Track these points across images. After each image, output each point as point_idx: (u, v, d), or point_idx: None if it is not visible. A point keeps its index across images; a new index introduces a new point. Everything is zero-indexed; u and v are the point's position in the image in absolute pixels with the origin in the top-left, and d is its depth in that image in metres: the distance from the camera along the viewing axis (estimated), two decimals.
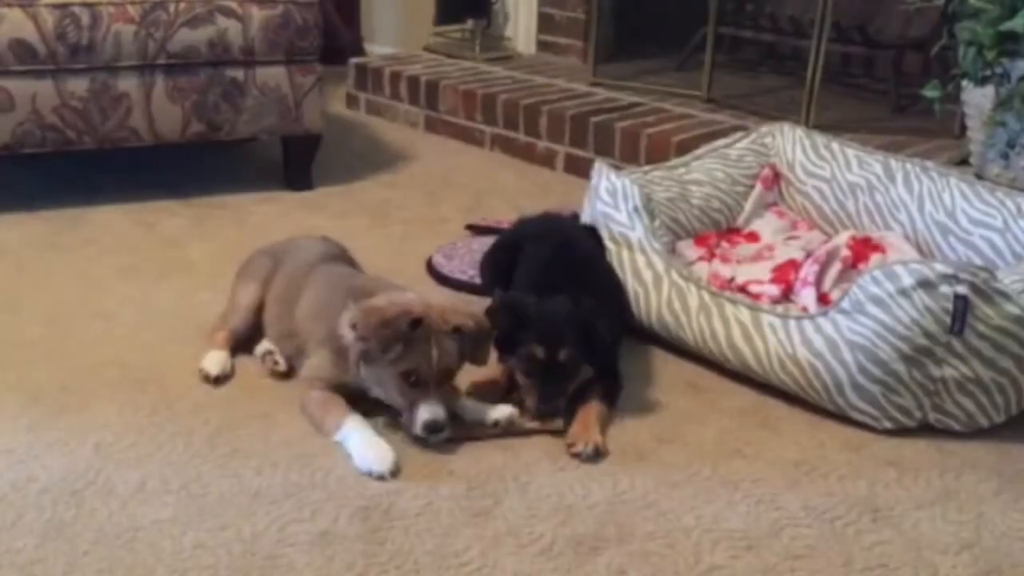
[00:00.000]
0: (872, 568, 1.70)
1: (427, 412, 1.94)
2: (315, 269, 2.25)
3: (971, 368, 2.02)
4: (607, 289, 2.29)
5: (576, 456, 1.95)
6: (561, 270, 2.23)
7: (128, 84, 3.10)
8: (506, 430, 2.02)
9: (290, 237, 2.51)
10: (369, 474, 1.88)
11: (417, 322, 1.94)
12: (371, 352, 1.96)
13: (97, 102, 3.08)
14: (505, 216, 3.09)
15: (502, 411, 2.03)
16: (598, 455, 1.96)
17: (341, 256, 2.37)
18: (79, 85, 3.06)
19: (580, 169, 3.54)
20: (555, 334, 2.04)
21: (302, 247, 2.38)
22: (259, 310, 2.31)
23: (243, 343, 2.30)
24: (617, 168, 2.59)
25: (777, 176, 2.90)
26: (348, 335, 1.98)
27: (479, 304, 2.19)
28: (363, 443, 1.93)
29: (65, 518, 1.74)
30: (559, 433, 2.01)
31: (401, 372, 1.96)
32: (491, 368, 2.16)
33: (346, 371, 2.03)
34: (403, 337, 1.94)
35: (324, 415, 2.01)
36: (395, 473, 1.88)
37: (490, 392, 2.12)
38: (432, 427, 1.94)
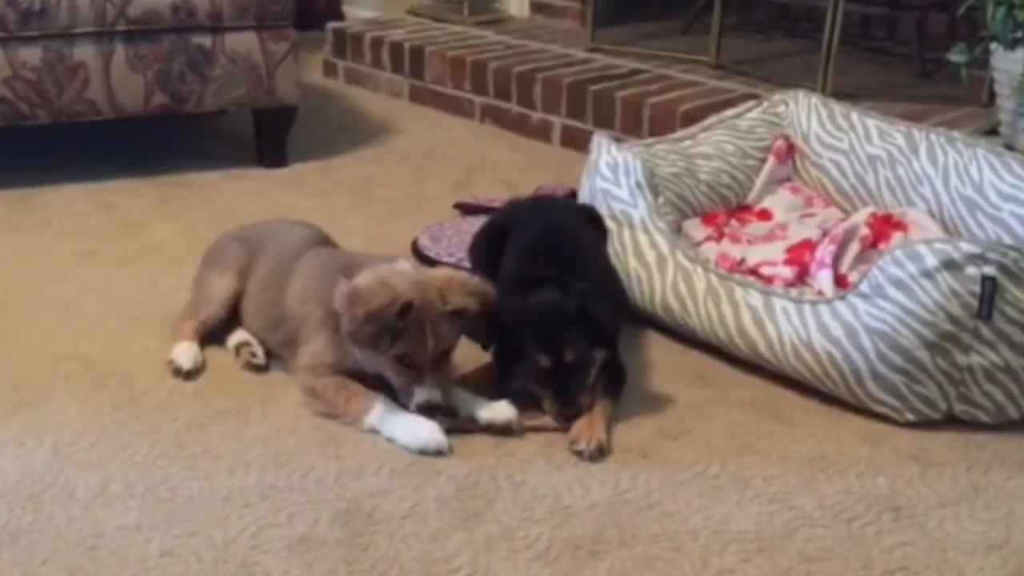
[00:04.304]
0: (893, 571, 1.71)
1: (422, 394, 1.98)
2: (304, 253, 2.26)
3: (1000, 355, 2.03)
4: (602, 276, 2.28)
5: (579, 454, 1.96)
6: (552, 256, 2.22)
7: (85, 53, 3.09)
8: (502, 431, 2.02)
9: (264, 221, 2.51)
10: (424, 452, 1.93)
11: (407, 308, 1.95)
12: (361, 341, 1.98)
13: (51, 73, 3.07)
14: (497, 194, 3.09)
15: (498, 411, 2.02)
16: (601, 453, 1.96)
17: (327, 241, 2.38)
18: (31, 54, 3.04)
19: (578, 142, 3.53)
20: (554, 335, 2.04)
21: (283, 231, 2.38)
22: (235, 301, 2.30)
23: (213, 334, 2.30)
24: (618, 141, 2.59)
25: (791, 148, 2.90)
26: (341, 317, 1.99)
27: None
28: (407, 421, 1.98)
29: (22, 524, 1.75)
30: (563, 430, 2.02)
31: (394, 356, 1.98)
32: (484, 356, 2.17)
33: (348, 352, 2.04)
34: (391, 329, 1.94)
35: (346, 401, 2.03)
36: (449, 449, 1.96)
37: (483, 383, 2.11)
38: (427, 408, 1.98)
